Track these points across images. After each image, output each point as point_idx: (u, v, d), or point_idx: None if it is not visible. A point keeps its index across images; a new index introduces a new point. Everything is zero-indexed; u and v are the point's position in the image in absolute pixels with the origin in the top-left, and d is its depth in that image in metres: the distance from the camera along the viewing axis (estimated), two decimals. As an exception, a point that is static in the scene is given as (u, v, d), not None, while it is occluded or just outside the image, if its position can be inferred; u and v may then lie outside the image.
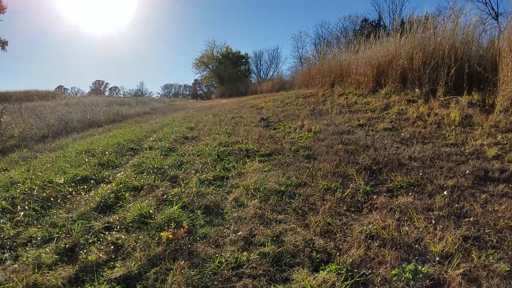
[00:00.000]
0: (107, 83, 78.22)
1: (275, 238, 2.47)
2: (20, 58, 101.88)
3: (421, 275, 1.91)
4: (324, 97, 9.73)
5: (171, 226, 2.57)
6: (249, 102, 13.22)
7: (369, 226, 2.54)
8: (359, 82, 9.37)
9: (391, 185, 3.29)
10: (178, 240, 2.42)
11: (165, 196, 3.25)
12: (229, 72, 34.81)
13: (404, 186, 3.21)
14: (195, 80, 63.31)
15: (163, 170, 4.14)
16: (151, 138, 6.54)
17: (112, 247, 2.37)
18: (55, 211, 3.01)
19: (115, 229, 2.62)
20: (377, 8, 37.49)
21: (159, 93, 78.28)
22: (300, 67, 22.65)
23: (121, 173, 4.05)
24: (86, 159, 4.76)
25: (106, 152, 5.16)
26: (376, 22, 33.09)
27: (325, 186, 3.36)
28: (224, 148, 5.09)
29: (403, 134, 4.95)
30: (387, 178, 3.45)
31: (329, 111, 7.52)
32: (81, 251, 2.33)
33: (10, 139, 7.23)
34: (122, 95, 67.80)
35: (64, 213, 2.91)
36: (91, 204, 3.04)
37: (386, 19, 33.76)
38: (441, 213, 2.61)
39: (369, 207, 2.93)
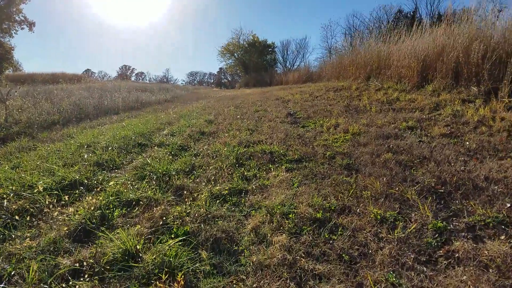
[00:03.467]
0: (133, 68, 79.23)
1: (313, 311, 1.63)
2: (50, 40, 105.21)
3: None
4: (359, 91, 8.67)
5: (161, 276, 1.78)
6: (274, 93, 12.30)
7: (454, 295, 1.66)
8: (400, 75, 8.26)
9: (471, 220, 2.36)
10: (169, 305, 1.63)
11: (164, 218, 2.47)
12: (254, 61, 33.75)
13: (491, 224, 2.27)
14: (220, 68, 62.68)
15: (169, 176, 3.38)
16: (164, 132, 5.83)
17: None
18: (20, 233, 2.29)
19: (84, 276, 1.84)
20: (414, -1, 34.64)
21: (184, 80, 78.68)
22: (329, 58, 21.38)
23: (118, 178, 3.32)
24: (85, 156, 4.08)
25: (109, 148, 4.47)
26: (412, 13, 30.84)
27: (378, 216, 2.46)
28: (245, 149, 4.28)
29: (467, 143, 3.94)
30: (462, 208, 2.52)
31: (367, 108, 6.48)
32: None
33: (15, 125, 6.65)
34: (147, 81, 68.52)
35: (29, 239, 2.18)
36: (65, 229, 2.29)
37: (423, 10, 31.40)
38: None
39: (448, 257, 2.02)
